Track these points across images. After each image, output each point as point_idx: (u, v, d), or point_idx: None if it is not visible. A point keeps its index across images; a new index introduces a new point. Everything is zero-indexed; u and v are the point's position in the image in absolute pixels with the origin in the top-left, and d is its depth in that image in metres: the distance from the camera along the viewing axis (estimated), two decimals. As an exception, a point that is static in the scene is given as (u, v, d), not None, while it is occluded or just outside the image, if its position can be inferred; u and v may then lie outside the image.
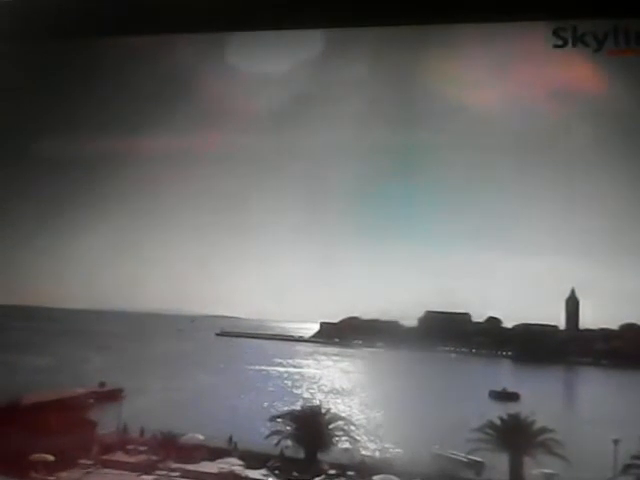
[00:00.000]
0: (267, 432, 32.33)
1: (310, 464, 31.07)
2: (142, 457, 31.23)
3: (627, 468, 27.60)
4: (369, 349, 54.57)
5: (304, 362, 55.88)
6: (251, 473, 30.01)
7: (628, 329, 44.99)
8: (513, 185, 33.56)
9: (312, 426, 32.41)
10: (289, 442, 31.92)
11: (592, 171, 29.21)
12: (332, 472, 30.62)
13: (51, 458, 27.83)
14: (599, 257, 37.77)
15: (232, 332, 65.66)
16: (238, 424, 35.35)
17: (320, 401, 40.91)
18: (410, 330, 51.91)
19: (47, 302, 50.46)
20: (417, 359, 50.31)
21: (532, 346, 48.05)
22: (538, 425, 30.87)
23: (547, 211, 34.24)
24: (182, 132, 23.95)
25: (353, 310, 53.80)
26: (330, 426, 32.66)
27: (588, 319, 45.34)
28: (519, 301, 44.63)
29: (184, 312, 62.77)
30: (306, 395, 44.47)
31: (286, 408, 37.17)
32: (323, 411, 33.96)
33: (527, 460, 29.89)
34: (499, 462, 30.34)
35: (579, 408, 44.50)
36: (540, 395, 40.88)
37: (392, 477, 28.80)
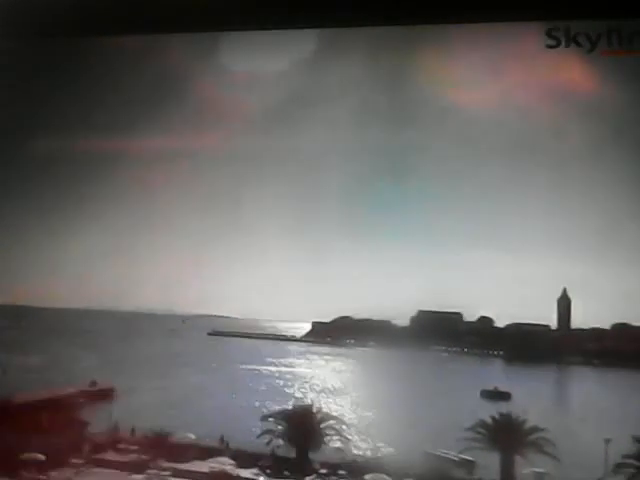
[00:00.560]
0: (258, 431, 32.31)
1: (301, 463, 31.07)
2: (133, 456, 31.18)
3: (618, 467, 27.67)
4: (361, 348, 54.61)
5: (296, 361, 55.87)
6: (242, 472, 29.99)
7: (620, 329, 45.09)
8: (505, 185, 33.61)
9: (303, 425, 32.41)
10: (280, 441, 31.92)
11: (584, 171, 29.27)
12: (323, 471, 30.62)
13: (42, 457, 27.78)
14: (591, 257, 37.84)
15: (224, 332, 65.61)
16: (229, 423, 35.33)
17: (312, 400, 40.90)
18: (402, 329, 51.94)
19: (38, 301, 50.36)
20: (409, 358, 50.35)
21: (524, 345, 48.14)
22: (529, 424, 30.92)
23: (539, 211, 34.29)
24: (174, 133, 23.94)
25: (345, 309, 53.83)
26: (321, 425, 32.65)
27: (580, 319, 45.43)
28: (511, 300, 44.69)
29: (176, 312, 62.72)
30: (298, 394, 44.46)
31: (278, 407, 37.17)
32: (315, 410, 33.96)
33: (518, 459, 29.94)
34: (490, 461, 30.37)
35: (570, 407, 44.60)
36: (531, 394, 40.97)
37: (383, 476, 28.81)
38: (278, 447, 31.77)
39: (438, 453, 32.43)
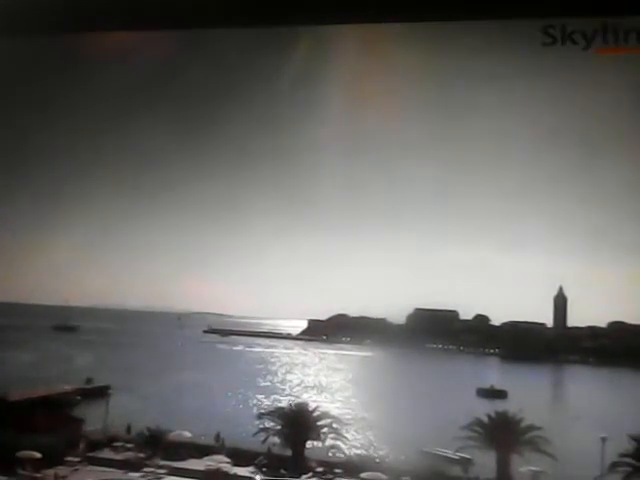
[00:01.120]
0: (255, 429, 32.25)
1: (298, 461, 31.02)
2: (129, 454, 31.09)
3: (614, 466, 27.68)
4: (357, 346, 54.68)
5: (292, 359, 55.90)
6: (239, 470, 29.90)
7: (616, 327, 45.23)
8: (502, 184, 33.63)
9: (300, 423, 32.34)
10: (277, 439, 31.85)
11: (581, 169, 29.28)
12: (320, 469, 30.56)
13: (38, 455, 27.74)
14: (587, 256, 37.94)
15: (220, 329, 65.73)
16: (225, 421, 35.29)
17: (307, 398, 40.91)
18: (398, 327, 52.03)
19: (32, 299, 50.37)
20: (405, 356, 50.40)
21: (520, 344, 48.22)
22: (526, 423, 30.89)
23: (535, 210, 34.33)
24: (169, 132, 23.88)
25: (341, 307, 53.98)
26: (318, 423, 32.60)
27: (576, 317, 45.58)
28: (507, 299, 44.83)
29: (171, 309, 62.86)
30: (293, 392, 44.46)
31: (273, 405, 37.17)
32: (311, 409, 33.89)
33: (515, 457, 29.89)
34: (487, 459, 30.32)
35: (567, 406, 44.62)
36: (528, 393, 40.96)
37: (380, 474, 28.78)
38: (274, 445, 31.72)
39: (434, 451, 32.40)
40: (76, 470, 29.21)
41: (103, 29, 9.67)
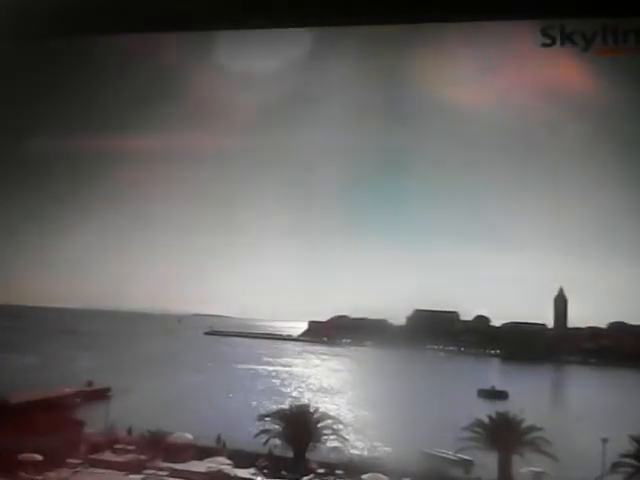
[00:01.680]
0: (256, 431, 32.26)
1: (299, 463, 31.03)
2: (130, 456, 31.10)
3: (615, 466, 27.66)
4: (357, 348, 54.65)
5: (292, 361, 55.86)
6: (240, 472, 29.92)
7: (616, 327, 45.17)
8: (501, 184, 33.62)
9: (301, 425, 32.36)
10: (278, 441, 31.88)
11: (580, 169, 29.25)
12: (321, 471, 30.57)
13: (39, 457, 27.76)
14: (587, 256, 37.87)
15: (220, 331, 65.68)
16: (227, 423, 35.30)
17: (308, 400, 40.93)
18: (398, 328, 51.98)
19: (33, 301, 50.33)
20: (405, 357, 50.39)
21: (520, 344, 48.20)
22: (527, 424, 30.90)
23: (536, 211, 34.30)
24: (169, 132, 23.85)
25: (341, 309, 53.93)
26: (319, 425, 32.61)
27: (576, 318, 45.53)
28: (507, 299, 44.77)
29: (172, 311, 62.77)
30: (294, 394, 44.45)
31: (275, 407, 37.16)
32: (312, 410, 33.91)
33: (516, 458, 29.90)
34: (488, 460, 30.33)
35: (568, 407, 44.62)
36: (528, 394, 40.96)
37: (381, 476, 28.77)
38: (275, 447, 31.75)
39: (435, 452, 32.42)
40: (77, 472, 29.22)
41: (104, 32, 9.69)
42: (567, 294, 44.17)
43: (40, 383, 36.47)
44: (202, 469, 29.70)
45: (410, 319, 51.29)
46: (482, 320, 50.43)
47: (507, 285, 42.94)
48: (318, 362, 55.01)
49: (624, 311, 40.53)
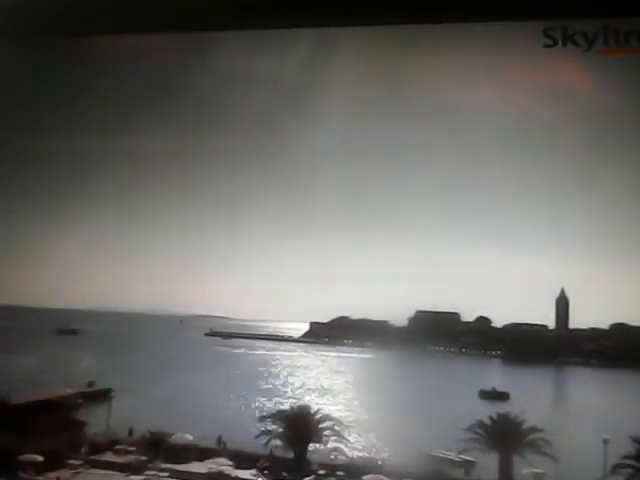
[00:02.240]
0: (256, 432, 32.23)
1: (299, 464, 30.99)
2: (131, 457, 31.09)
3: (616, 468, 27.63)
4: (359, 348, 54.63)
5: (293, 362, 55.84)
6: (240, 473, 29.88)
7: (618, 329, 45.21)
8: (503, 185, 33.62)
9: (301, 426, 32.30)
10: (278, 442, 31.82)
11: (582, 170, 29.25)
12: (321, 472, 30.53)
13: (40, 458, 27.76)
14: (589, 257, 37.91)
15: (221, 332, 65.67)
16: (227, 424, 35.26)
17: (309, 401, 40.88)
18: (400, 329, 52.00)
19: (34, 302, 50.37)
20: (407, 358, 50.36)
21: (522, 346, 48.19)
22: (528, 425, 30.87)
23: (537, 212, 34.32)
24: (169, 133, 23.85)
25: (343, 310, 53.97)
26: (319, 426, 32.55)
27: (578, 319, 45.56)
28: (509, 301, 44.80)
29: (173, 312, 62.82)
30: (295, 395, 44.41)
31: (275, 408, 37.15)
32: (312, 411, 33.86)
33: (517, 459, 29.86)
34: (489, 461, 30.29)
35: (569, 408, 44.57)
36: (530, 395, 40.90)
37: (382, 477, 28.75)
38: (276, 448, 31.70)
39: (436, 453, 32.37)
40: (78, 473, 29.21)
41: (104, 32, 9.67)
42: (569, 295, 44.19)
43: (42, 384, 36.50)
44: (203, 470, 29.68)
45: (412, 320, 51.36)
46: (483, 321, 50.51)
47: (509, 286, 42.96)
48: (319, 363, 55.01)
49: (625, 313, 40.53)
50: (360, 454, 33.32)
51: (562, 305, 45.13)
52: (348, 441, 32.83)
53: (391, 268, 44.63)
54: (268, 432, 32.18)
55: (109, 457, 31.35)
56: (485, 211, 36.69)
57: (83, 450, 31.05)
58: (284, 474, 30.56)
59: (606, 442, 28.33)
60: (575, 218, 33.19)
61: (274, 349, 60.80)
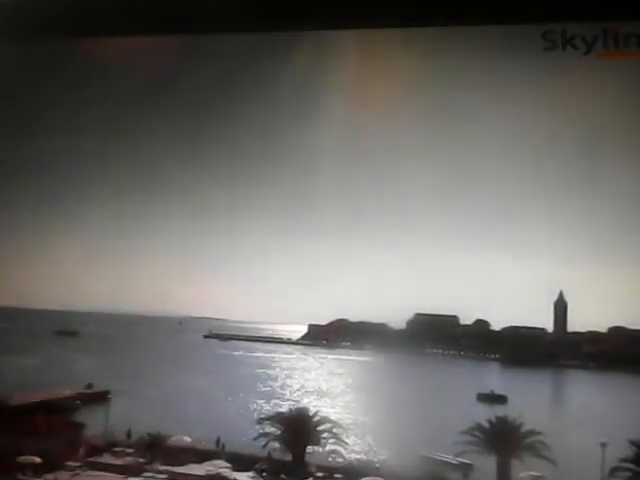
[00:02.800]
0: (255, 434, 32.24)
1: (298, 466, 31.01)
2: (129, 459, 31.12)
3: (614, 471, 27.65)
4: (357, 351, 54.57)
5: (292, 364, 55.79)
6: (239, 475, 29.92)
7: (615, 332, 45.14)
8: (502, 187, 33.61)
9: (300, 428, 32.33)
10: (277, 444, 31.84)
11: (580, 173, 29.27)
12: (320, 475, 30.57)
13: (38, 460, 27.76)
14: (588, 261, 37.87)
15: (220, 334, 65.55)
16: (226, 426, 35.26)
17: (308, 403, 40.88)
18: (398, 332, 51.91)
19: (32, 304, 50.29)
20: (405, 361, 50.32)
21: (520, 349, 48.13)
22: (526, 428, 30.88)
23: (536, 215, 34.30)
24: (169, 134, 23.89)
25: (341, 312, 53.88)
26: (318, 428, 32.58)
27: (576, 322, 45.49)
28: (507, 304, 44.74)
29: (171, 314, 62.69)
30: (294, 397, 44.40)
31: (274, 410, 37.15)
32: (311, 413, 33.89)
33: (515, 462, 29.89)
34: (487, 464, 30.31)
35: (567, 411, 44.54)
36: (528, 398, 40.92)
37: (380, 479, 28.80)
38: (274, 450, 31.70)
39: (434, 456, 32.38)
40: (76, 475, 29.22)
41: (105, 34, 9.70)
42: (567, 298, 44.15)
43: (40, 385, 36.48)
44: (201, 472, 29.70)
45: (410, 323, 51.24)
46: (482, 324, 50.40)
47: (507, 290, 42.91)
48: (317, 365, 54.96)
49: (624, 316, 40.49)
50: (358, 456, 33.32)
51: (560, 308, 45.05)
52: (346, 443, 32.84)
53: (390, 271, 44.55)
54: (266, 434, 32.18)
55: (107, 459, 31.37)
56: (483, 215, 36.64)
57: (81, 452, 31.06)
58: (282, 476, 30.58)
59: (604, 445, 28.33)
60: (574, 221, 33.18)
61: (272, 351, 60.63)
